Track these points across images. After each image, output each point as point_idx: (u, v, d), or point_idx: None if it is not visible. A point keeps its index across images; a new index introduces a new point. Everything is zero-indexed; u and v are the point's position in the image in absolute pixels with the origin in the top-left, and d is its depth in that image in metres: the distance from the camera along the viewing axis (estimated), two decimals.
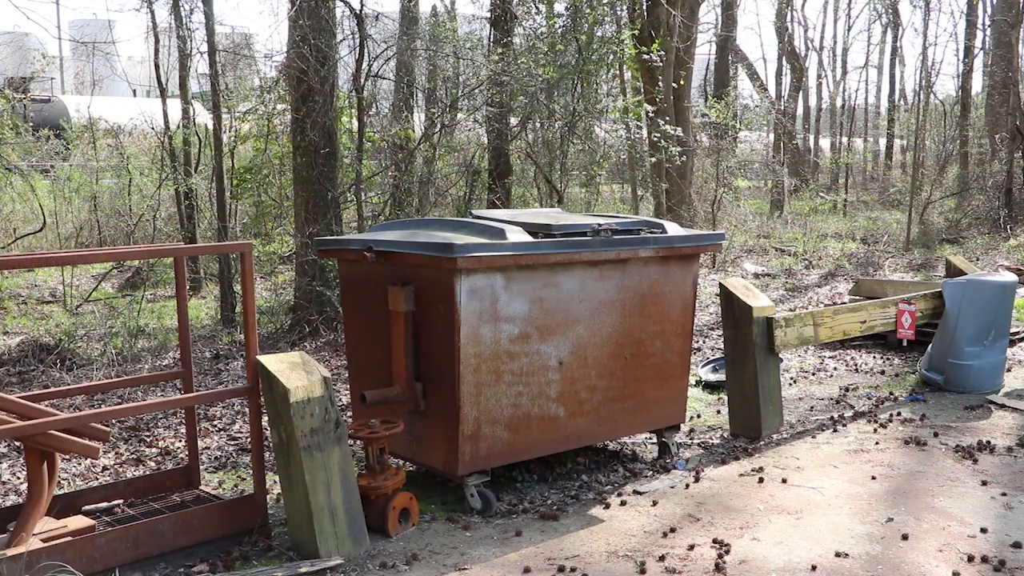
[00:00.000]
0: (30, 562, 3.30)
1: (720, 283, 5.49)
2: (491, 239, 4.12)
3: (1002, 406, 5.87)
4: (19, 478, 4.89)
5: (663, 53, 10.97)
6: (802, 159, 24.40)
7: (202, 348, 8.07)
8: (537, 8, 11.19)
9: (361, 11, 9.18)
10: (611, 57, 11.13)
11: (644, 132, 11.74)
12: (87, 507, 4.08)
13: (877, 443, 5.18)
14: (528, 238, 4.21)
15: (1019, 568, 3.57)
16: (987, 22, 20.05)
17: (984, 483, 4.49)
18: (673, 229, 4.74)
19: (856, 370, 7.14)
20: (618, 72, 13.23)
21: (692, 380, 6.54)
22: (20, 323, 9.44)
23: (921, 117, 18.04)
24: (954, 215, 16.41)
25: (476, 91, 10.65)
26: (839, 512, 4.17)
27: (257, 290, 9.84)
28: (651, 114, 11.07)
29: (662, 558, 3.71)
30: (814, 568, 3.59)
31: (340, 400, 6.07)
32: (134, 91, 25.96)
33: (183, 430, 5.66)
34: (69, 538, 3.51)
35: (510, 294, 4.17)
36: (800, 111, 29.11)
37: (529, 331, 4.26)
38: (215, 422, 5.94)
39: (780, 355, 5.44)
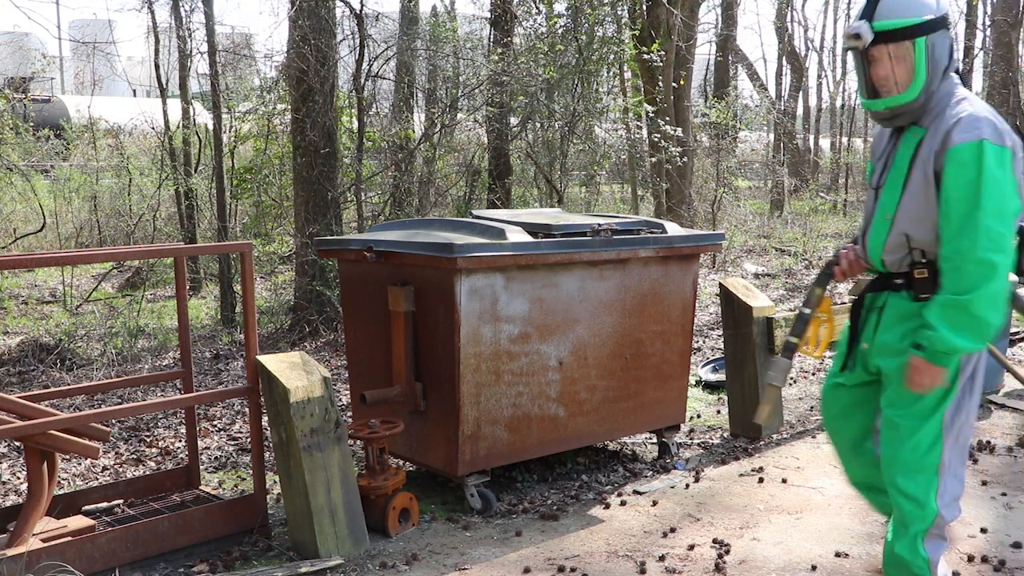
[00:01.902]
0: (30, 562, 3.30)
1: (720, 283, 5.49)
2: (491, 239, 4.12)
3: (1002, 406, 5.87)
4: (19, 478, 4.89)
5: (663, 53, 10.97)
6: (802, 159, 24.40)
7: (202, 348, 8.07)
8: (537, 8, 11.19)
9: (361, 11, 9.18)
10: (611, 57, 11.13)
11: (644, 132, 11.73)
12: (87, 507, 4.08)
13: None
14: (528, 238, 4.21)
15: (1019, 568, 3.57)
16: (987, 22, 20.05)
17: (984, 483, 4.49)
18: (673, 229, 4.74)
19: None
20: (618, 72, 13.23)
21: (692, 380, 6.54)
22: (20, 323, 9.44)
23: None
24: None
25: (476, 91, 10.65)
26: (839, 512, 4.17)
27: (257, 290, 9.84)
28: (651, 114, 11.07)
29: (662, 558, 3.71)
30: (814, 568, 3.59)
31: (340, 400, 6.07)
32: (134, 91, 25.95)
33: (183, 430, 5.66)
34: (69, 538, 3.51)
35: (510, 294, 4.17)
36: (800, 111, 29.10)
37: (529, 331, 4.26)
38: (215, 422, 5.94)
39: None
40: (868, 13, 2.85)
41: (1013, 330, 7.24)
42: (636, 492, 4.50)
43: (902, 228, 2.93)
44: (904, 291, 2.99)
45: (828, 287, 3.23)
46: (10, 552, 3.31)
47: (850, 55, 2.98)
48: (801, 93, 28.29)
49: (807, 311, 3.20)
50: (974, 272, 2.74)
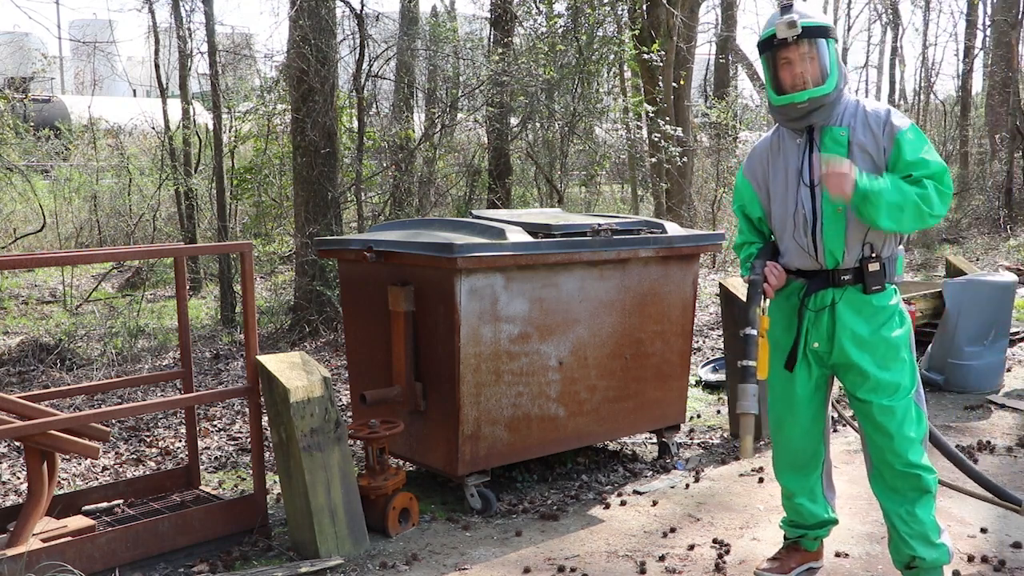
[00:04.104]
0: (30, 562, 3.30)
1: (720, 283, 5.48)
2: (491, 239, 4.12)
3: (1002, 406, 5.87)
4: (19, 478, 4.89)
5: (663, 53, 10.97)
6: None
7: (202, 348, 8.07)
8: (537, 8, 11.19)
9: (361, 11, 9.18)
10: (611, 57, 11.13)
11: (644, 132, 11.73)
12: (87, 507, 4.08)
13: None
14: (528, 238, 4.21)
15: (1019, 568, 3.57)
16: (987, 22, 20.05)
17: None
18: (673, 229, 4.74)
19: None
20: (618, 72, 13.22)
21: (692, 380, 6.54)
22: (20, 323, 9.44)
23: (921, 117, 18.03)
24: (954, 215, 16.40)
25: (476, 91, 10.65)
26: (839, 512, 4.16)
27: (257, 290, 9.84)
28: (651, 114, 11.06)
29: (662, 558, 3.71)
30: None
31: (340, 400, 6.07)
32: (134, 91, 25.93)
33: (183, 430, 5.66)
34: (69, 538, 3.51)
35: (510, 294, 4.17)
36: None
37: (529, 331, 4.26)
38: (215, 422, 5.94)
39: None
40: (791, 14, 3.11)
41: (1013, 330, 7.24)
42: (636, 492, 4.50)
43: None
44: (852, 286, 3.18)
45: (761, 305, 3.27)
46: (10, 552, 3.31)
47: (760, 59, 3.20)
48: None
49: (754, 332, 3.21)
50: (942, 198, 3.04)
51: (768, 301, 3.32)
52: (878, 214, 3.01)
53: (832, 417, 5.74)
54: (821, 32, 3.11)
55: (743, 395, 3.16)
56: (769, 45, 3.14)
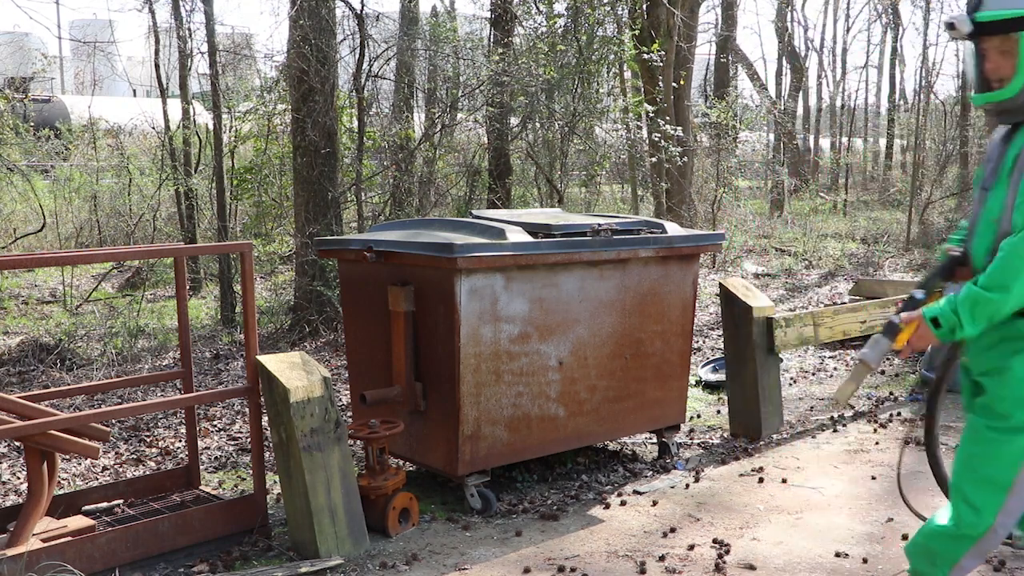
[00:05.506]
0: (30, 562, 3.30)
1: (720, 283, 5.49)
2: (491, 239, 4.12)
3: None
4: (19, 478, 4.89)
5: (663, 53, 10.97)
6: (802, 159, 24.37)
7: (202, 348, 8.07)
8: (537, 8, 11.19)
9: (361, 11, 9.19)
10: (611, 57, 11.13)
11: (644, 132, 11.74)
12: (87, 507, 4.08)
13: (877, 443, 5.18)
14: (528, 238, 4.21)
15: (1019, 568, 3.57)
16: None
17: None
18: (673, 229, 4.74)
19: None
20: (618, 72, 13.23)
21: (692, 380, 6.54)
22: (20, 323, 9.44)
23: (921, 117, 18.03)
24: (954, 215, 16.39)
25: (476, 91, 10.65)
26: (839, 512, 4.17)
27: (257, 290, 9.84)
28: (651, 114, 11.07)
29: (662, 558, 3.71)
30: (814, 568, 3.59)
31: (340, 400, 6.07)
32: (134, 91, 25.93)
33: (183, 430, 5.66)
34: (69, 538, 3.51)
35: (510, 294, 4.17)
36: (800, 111, 29.10)
37: (529, 331, 4.26)
38: (215, 422, 5.94)
39: (780, 355, 5.44)
40: (973, 3, 2.66)
41: None
42: (636, 492, 4.50)
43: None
44: None
45: (942, 283, 2.99)
46: (10, 552, 3.31)
47: (964, 46, 2.77)
48: (801, 93, 28.29)
49: (920, 295, 2.93)
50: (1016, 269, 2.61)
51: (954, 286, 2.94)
52: (966, 327, 2.70)
53: (832, 417, 5.75)
54: (1014, 25, 2.56)
55: (873, 344, 2.85)
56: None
